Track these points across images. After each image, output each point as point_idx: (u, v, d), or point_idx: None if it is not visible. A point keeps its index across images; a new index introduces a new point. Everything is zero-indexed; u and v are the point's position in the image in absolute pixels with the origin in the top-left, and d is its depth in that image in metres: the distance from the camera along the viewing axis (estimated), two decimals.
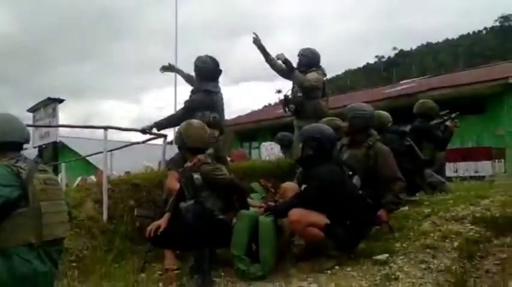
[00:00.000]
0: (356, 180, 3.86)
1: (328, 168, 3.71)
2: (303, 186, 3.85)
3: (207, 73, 5.26)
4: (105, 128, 5.04)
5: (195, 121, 4.20)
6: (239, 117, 23.92)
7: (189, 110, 4.90)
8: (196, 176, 3.80)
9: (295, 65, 5.85)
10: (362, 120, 4.35)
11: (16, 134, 2.82)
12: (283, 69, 5.88)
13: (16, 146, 2.83)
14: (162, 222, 3.82)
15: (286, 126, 6.42)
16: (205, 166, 3.86)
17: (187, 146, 3.99)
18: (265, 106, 42.06)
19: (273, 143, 7.91)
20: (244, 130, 20.41)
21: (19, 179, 2.56)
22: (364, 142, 4.29)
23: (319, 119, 5.12)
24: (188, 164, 3.95)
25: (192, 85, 5.64)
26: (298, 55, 5.95)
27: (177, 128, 4.39)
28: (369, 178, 4.09)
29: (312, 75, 5.73)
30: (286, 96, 6.01)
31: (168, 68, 6.05)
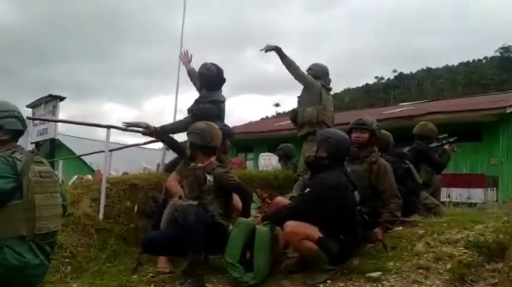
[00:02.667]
0: (356, 195, 3.91)
1: (337, 174, 3.76)
2: (307, 189, 3.86)
3: (211, 81, 5.29)
4: (108, 127, 5.08)
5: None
6: (236, 127, 23.95)
7: (198, 118, 4.93)
8: (209, 177, 3.84)
9: None
10: (375, 134, 4.44)
11: (16, 123, 2.77)
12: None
13: (17, 135, 2.79)
14: None
15: (283, 139, 6.47)
16: (219, 168, 3.94)
17: (210, 145, 3.99)
18: (263, 118, 42.11)
19: (270, 154, 7.95)
20: (240, 140, 20.37)
21: (15, 170, 2.53)
22: (367, 157, 4.34)
23: None
24: (199, 164, 3.97)
25: (193, 82, 5.74)
26: (307, 70, 6.00)
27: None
28: (368, 195, 4.14)
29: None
30: (295, 110, 6.00)
31: None
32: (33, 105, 10.33)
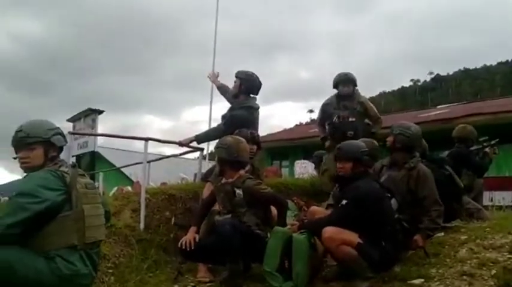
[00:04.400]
0: (393, 203, 3.85)
1: (368, 183, 3.73)
2: (343, 201, 3.80)
3: (248, 87, 5.36)
4: (146, 139, 5.19)
5: (240, 137, 4.26)
6: (270, 134, 23.97)
7: (231, 125, 4.97)
8: (238, 191, 3.87)
9: None
10: (406, 139, 4.32)
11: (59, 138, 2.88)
12: None
13: (61, 150, 2.91)
14: (192, 236, 3.90)
15: (318, 145, 6.42)
16: (249, 181, 3.94)
17: (237, 159, 4.00)
18: (297, 125, 42.01)
19: (306, 161, 7.92)
20: (275, 148, 20.39)
21: (64, 183, 2.64)
22: (405, 163, 4.27)
23: None
24: (228, 179, 4.02)
25: (225, 96, 5.75)
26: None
27: (215, 142, 4.48)
28: (407, 202, 4.07)
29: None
30: (336, 122, 5.86)
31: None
32: (73, 119, 10.63)
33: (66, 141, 2.98)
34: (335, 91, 6.00)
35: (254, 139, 4.71)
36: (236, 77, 5.45)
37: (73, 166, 2.88)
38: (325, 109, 6.05)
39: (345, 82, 5.91)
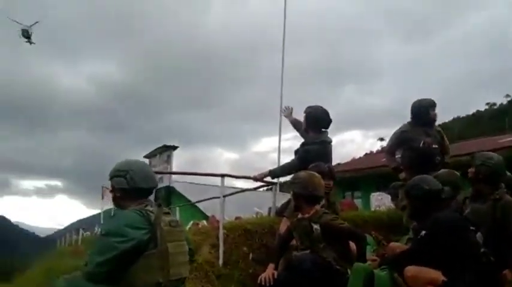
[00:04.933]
0: (479, 236, 3.68)
1: (450, 213, 3.60)
2: (422, 232, 3.66)
3: (316, 123, 5.36)
4: (222, 176, 5.34)
5: (317, 171, 4.27)
6: (340, 165, 23.67)
7: (305, 160, 4.98)
8: (315, 226, 3.85)
9: None
10: (489, 169, 4.14)
11: (150, 181, 3.00)
12: None
13: (148, 192, 3.02)
14: (271, 272, 3.89)
15: (391, 175, 6.21)
16: (326, 216, 3.92)
17: (312, 194, 3.98)
18: (367, 154, 41.16)
19: (382, 193, 7.73)
20: (345, 179, 20.04)
21: (149, 222, 2.73)
22: (490, 195, 4.08)
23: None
24: (305, 215, 4.01)
25: (298, 132, 5.77)
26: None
27: (290, 176, 4.50)
28: (493, 235, 3.87)
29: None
30: (422, 148, 5.57)
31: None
32: (149, 156, 11.11)
33: (156, 184, 3.12)
34: (408, 119, 5.82)
35: (331, 173, 4.69)
36: (304, 113, 5.49)
37: (158, 205, 3.00)
38: (402, 137, 5.78)
39: (434, 107, 5.72)
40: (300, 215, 4.06)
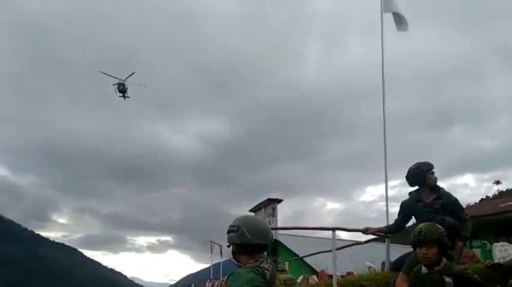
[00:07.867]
0: None
1: None
2: None
3: (412, 182, 5.21)
4: (333, 229, 5.29)
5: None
6: None
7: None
8: (447, 279, 3.63)
9: None
10: None
11: (266, 236, 3.00)
12: None
13: (264, 248, 3.01)
14: None
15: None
16: (457, 266, 3.72)
17: (446, 244, 3.78)
18: (483, 199, 38.21)
19: (506, 243, 7.11)
20: None
21: (264, 280, 2.72)
22: None
23: None
24: (436, 267, 3.79)
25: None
26: None
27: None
28: None
29: None
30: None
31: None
32: (254, 210, 11.28)
33: (269, 240, 3.17)
34: None
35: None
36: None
37: (274, 260, 3.03)
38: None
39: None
40: (423, 269, 3.84)
